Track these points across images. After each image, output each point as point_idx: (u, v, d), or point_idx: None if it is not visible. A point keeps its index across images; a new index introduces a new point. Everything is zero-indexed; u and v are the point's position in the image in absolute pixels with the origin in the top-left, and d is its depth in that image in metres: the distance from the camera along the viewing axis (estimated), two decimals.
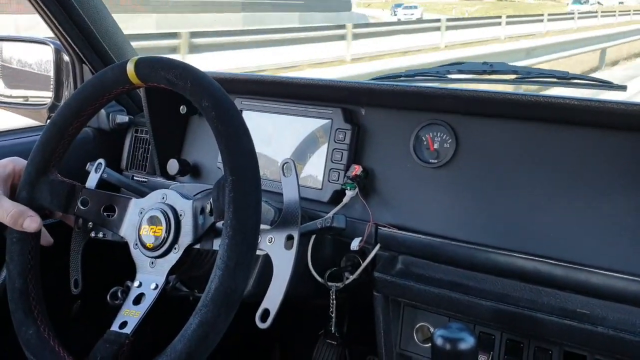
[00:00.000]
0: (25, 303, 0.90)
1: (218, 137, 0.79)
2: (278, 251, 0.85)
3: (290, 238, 0.84)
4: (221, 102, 0.81)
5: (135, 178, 1.52)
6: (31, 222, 0.93)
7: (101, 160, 1.07)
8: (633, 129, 0.97)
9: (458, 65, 1.48)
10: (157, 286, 0.89)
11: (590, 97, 0.98)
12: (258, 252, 0.84)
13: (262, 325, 0.80)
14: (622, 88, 1.27)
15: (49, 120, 0.99)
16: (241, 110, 1.34)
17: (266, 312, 0.81)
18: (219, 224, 0.87)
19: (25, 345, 0.87)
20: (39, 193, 0.96)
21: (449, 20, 16.43)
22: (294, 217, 0.86)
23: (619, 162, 0.97)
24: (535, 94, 1.03)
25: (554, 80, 1.35)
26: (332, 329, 1.17)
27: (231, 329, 0.78)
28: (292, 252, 0.84)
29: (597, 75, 1.38)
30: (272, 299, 0.81)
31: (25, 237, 0.94)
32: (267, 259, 0.85)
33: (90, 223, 1.03)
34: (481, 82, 1.44)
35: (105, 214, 0.99)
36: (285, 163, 0.89)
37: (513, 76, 1.41)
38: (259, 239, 0.85)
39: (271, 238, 0.85)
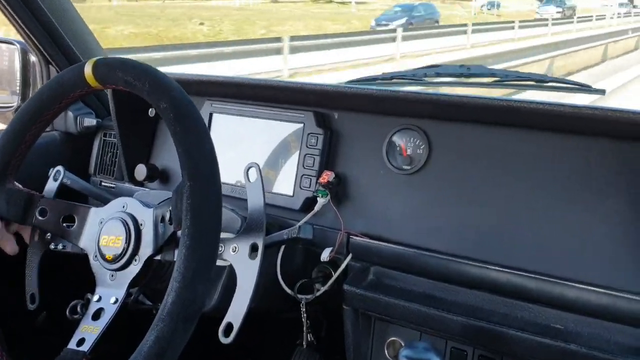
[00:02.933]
0: None
1: (176, 140, 0.76)
2: (241, 261, 0.81)
3: (254, 247, 0.81)
4: (180, 103, 0.77)
5: (103, 184, 1.48)
6: (10, 247, 0.90)
7: (59, 168, 1.04)
8: (607, 136, 0.94)
9: (435, 68, 1.45)
10: (117, 300, 0.86)
11: (565, 101, 0.95)
12: (221, 263, 0.80)
13: (225, 341, 0.77)
14: (601, 92, 1.25)
15: (7, 126, 0.95)
16: (211, 114, 1.30)
17: (229, 327, 0.77)
18: (179, 234, 0.84)
19: None
20: None
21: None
22: (258, 225, 0.82)
23: (594, 171, 0.94)
24: (508, 99, 0.99)
25: (532, 83, 1.32)
26: (304, 343, 1.14)
27: (198, 344, 0.74)
28: (256, 262, 0.80)
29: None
30: (236, 313, 0.78)
31: None
32: (232, 270, 0.82)
33: (48, 234, 0.99)
34: (459, 85, 1.41)
35: (64, 224, 0.95)
36: (250, 168, 0.85)
37: (491, 79, 1.38)
38: (222, 248, 0.82)
39: (235, 247, 0.82)
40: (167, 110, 0.77)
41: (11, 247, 0.96)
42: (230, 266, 0.82)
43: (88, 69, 0.84)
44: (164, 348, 0.70)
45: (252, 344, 1.39)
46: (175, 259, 0.86)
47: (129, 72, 0.81)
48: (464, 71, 1.41)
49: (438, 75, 1.43)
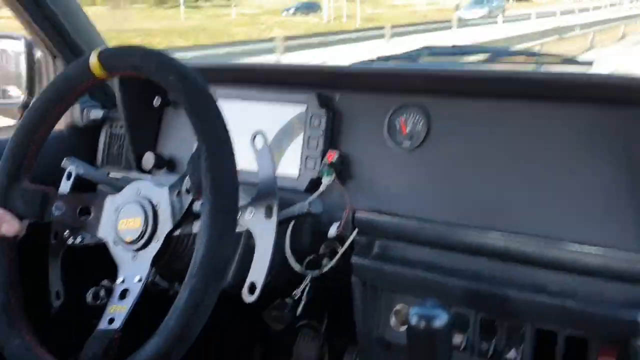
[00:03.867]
0: (8, 317, 0.89)
1: (187, 109, 0.79)
2: (259, 223, 0.85)
3: (269, 208, 0.85)
4: (186, 74, 0.81)
5: (111, 174, 1.51)
6: (9, 226, 0.91)
7: (72, 166, 1.06)
8: (600, 102, 0.98)
9: (429, 49, 1.49)
10: (141, 279, 0.89)
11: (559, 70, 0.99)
12: (238, 229, 0.84)
13: (249, 299, 0.81)
14: (589, 64, 1.30)
15: (17, 126, 0.97)
16: (215, 100, 1.34)
17: (253, 285, 0.81)
18: (196, 207, 0.88)
19: (11, 357, 0.87)
20: (11, 202, 0.94)
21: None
22: (270, 189, 0.86)
23: (589, 136, 0.99)
24: (500, 70, 1.04)
25: (523, 58, 1.36)
26: (298, 311, 1.16)
27: (211, 325, 0.78)
28: (273, 221, 0.84)
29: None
30: (258, 271, 0.82)
31: (3, 248, 0.92)
32: (246, 248, 0.86)
33: (66, 232, 1.02)
34: (452, 65, 1.45)
35: (81, 216, 0.98)
36: (256, 135, 0.89)
37: (483, 57, 1.42)
38: (239, 213, 0.84)
39: (251, 210, 0.86)
40: (175, 83, 0.80)
41: (9, 228, 0.94)
42: (244, 245, 0.86)
43: (93, 59, 0.86)
44: (198, 301, 0.74)
45: (258, 327, 1.44)
46: (194, 231, 0.90)
47: (135, 56, 0.84)
48: (457, 51, 1.46)
49: (432, 55, 1.48)
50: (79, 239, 1.02)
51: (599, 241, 0.94)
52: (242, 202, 0.84)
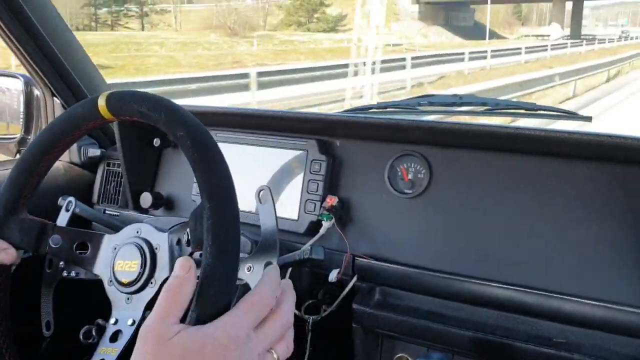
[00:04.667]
0: None
1: (194, 166, 0.78)
2: (257, 279, 0.84)
3: (269, 265, 0.84)
4: (196, 130, 0.80)
5: (107, 212, 1.50)
6: (6, 255, 0.90)
7: (71, 199, 1.06)
8: (600, 159, 1.00)
9: (428, 98, 1.51)
10: (134, 322, 0.87)
11: (556, 128, 1.01)
12: (237, 282, 0.83)
13: None
14: (588, 119, 1.32)
15: (18, 157, 0.97)
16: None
17: None
18: (196, 256, 0.87)
19: None
20: (8, 233, 0.92)
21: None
22: (272, 245, 0.86)
23: (589, 192, 1.00)
24: (502, 125, 1.05)
25: (522, 111, 1.38)
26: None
27: None
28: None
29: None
30: None
31: None
32: (246, 286, 0.84)
33: (61, 263, 1.01)
34: (451, 114, 1.47)
35: (77, 251, 0.96)
36: (262, 190, 0.89)
37: (482, 108, 1.44)
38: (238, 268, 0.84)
39: (250, 267, 0.85)
40: (184, 138, 0.80)
41: (5, 257, 0.92)
42: (241, 292, 0.84)
43: (102, 102, 0.86)
44: None
45: None
46: None
47: (144, 103, 0.84)
48: (456, 100, 1.47)
49: (431, 104, 1.49)
50: (73, 273, 1.00)
51: (601, 296, 0.95)
52: (241, 253, 0.83)
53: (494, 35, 52.43)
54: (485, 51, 20.82)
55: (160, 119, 0.82)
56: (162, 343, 0.62)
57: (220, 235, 0.75)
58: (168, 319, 0.65)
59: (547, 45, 28.15)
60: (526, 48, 24.46)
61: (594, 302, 0.94)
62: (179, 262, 0.73)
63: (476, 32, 51.07)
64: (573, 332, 0.96)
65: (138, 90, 0.88)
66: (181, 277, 0.70)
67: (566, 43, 31.50)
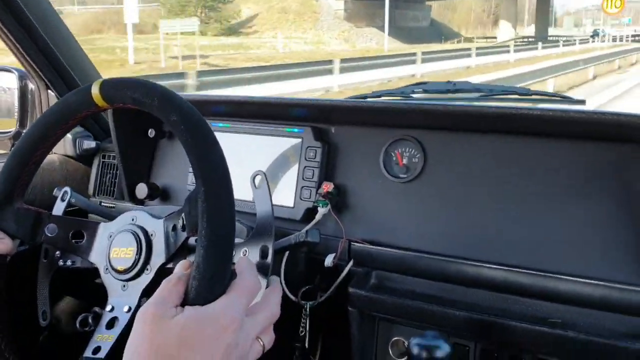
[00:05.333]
0: None
1: (188, 149, 0.78)
2: (253, 264, 0.84)
3: (264, 250, 0.84)
4: (189, 114, 0.80)
5: (103, 204, 1.50)
6: (1, 244, 0.90)
7: (67, 189, 1.06)
8: (594, 139, 1.00)
9: (422, 85, 1.52)
10: (130, 309, 0.87)
11: (551, 106, 1.01)
12: (232, 267, 0.84)
13: None
14: (581, 102, 1.32)
15: (14, 147, 0.97)
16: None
17: None
18: (191, 241, 0.87)
19: None
20: (4, 222, 0.93)
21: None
22: (267, 230, 0.86)
23: (583, 171, 1.01)
24: (495, 106, 1.06)
25: (516, 96, 1.39)
26: (306, 345, 1.16)
27: None
28: (268, 263, 0.83)
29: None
30: None
31: None
32: None
33: (57, 252, 1.01)
34: (446, 101, 1.47)
35: (73, 240, 0.97)
36: (257, 175, 0.89)
37: (476, 94, 1.45)
38: (233, 253, 0.84)
39: (245, 251, 0.85)
40: (177, 123, 0.80)
41: (3, 246, 0.93)
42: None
43: (95, 90, 0.86)
44: None
45: None
46: None
47: (137, 90, 0.84)
48: (450, 87, 1.48)
49: (425, 91, 1.50)
50: (69, 262, 1.00)
51: (596, 274, 0.95)
52: (236, 239, 0.84)
53: (453, 37, 47.50)
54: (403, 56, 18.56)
55: (153, 105, 0.82)
56: (161, 323, 0.63)
57: (215, 218, 0.75)
58: (167, 302, 0.66)
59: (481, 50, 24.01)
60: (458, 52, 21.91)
61: (588, 281, 0.95)
62: (180, 263, 0.75)
63: (431, 34, 45.49)
64: (568, 311, 0.96)
65: (131, 77, 0.88)
66: (181, 273, 0.71)
67: (508, 46, 27.16)
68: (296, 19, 40.07)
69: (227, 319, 0.64)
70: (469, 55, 21.22)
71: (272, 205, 0.88)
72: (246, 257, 0.79)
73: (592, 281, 0.94)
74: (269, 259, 0.84)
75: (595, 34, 49.67)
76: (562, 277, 0.97)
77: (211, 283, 0.72)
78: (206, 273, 0.72)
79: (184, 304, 0.68)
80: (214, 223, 0.75)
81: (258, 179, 0.89)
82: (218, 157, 0.79)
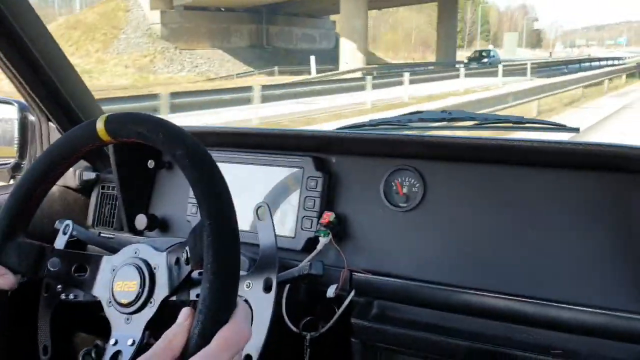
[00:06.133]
0: None
1: (193, 184, 0.79)
2: (257, 295, 0.85)
3: (268, 282, 0.85)
4: (194, 149, 0.81)
5: (102, 235, 1.50)
6: (4, 280, 0.90)
7: (68, 222, 1.06)
8: (590, 168, 1.02)
9: (419, 114, 1.54)
10: (134, 342, 0.87)
11: (547, 138, 1.03)
12: (239, 299, 0.84)
13: None
14: (575, 130, 1.35)
15: (15, 183, 0.97)
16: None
17: (248, 358, 0.81)
18: (194, 275, 0.87)
19: None
20: (6, 257, 0.92)
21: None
22: (271, 261, 0.86)
23: (582, 201, 1.02)
24: (493, 138, 1.08)
25: (510, 125, 1.41)
26: None
27: None
28: (271, 295, 0.84)
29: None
30: (254, 344, 0.82)
31: None
32: (247, 302, 0.85)
33: (59, 286, 1.01)
34: (441, 129, 1.50)
35: (76, 274, 0.96)
36: (260, 207, 0.90)
37: (471, 122, 1.47)
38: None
39: (249, 283, 0.86)
40: (182, 157, 0.81)
41: (3, 282, 0.92)
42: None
43: (100, 125, 0.87)
44: None
45: None
46: (191, 298, 0.89)
47: (142, 125, 0.85)
48: (446, 116, 1.50)
49: (422, 120, 1.52)
50: (72, 296, 1.00)
51: (598, 302, 0.96)
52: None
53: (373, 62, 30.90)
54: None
55: (158, 139, 0.83)
56: None
57: (221, 252, 0.75)
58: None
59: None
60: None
61: (590, 310, 0.96)
62: (182, 312, 0.74)
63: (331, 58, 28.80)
64: (571, 340, 0.97)
65: (135, 112, 0.89)
66: (180, 325, 0.71)
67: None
68: (82, 38, 29.63)
69: None
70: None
71: (276, 237, 0.88)
72: (244, 305, 0.79)
73: (594, 310, 0.96)
74: (273, 290, 0.85)
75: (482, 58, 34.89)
76: (564, 305, 0.98)
77: (217, 316, 0.72)
78: (212, 306, 0.72)
79: (185, 353, 0.68)
80: (220, 257, 0.75)
81: (261, 210, 0.90)
82: (223, 191, 0.80)
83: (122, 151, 1.40)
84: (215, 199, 0.79)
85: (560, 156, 1.03)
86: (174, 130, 0.83)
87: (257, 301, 0.85)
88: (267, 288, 0.85)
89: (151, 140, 0.84)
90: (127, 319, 0.90)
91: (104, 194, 1.55)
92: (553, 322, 0.98)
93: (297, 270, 0.97)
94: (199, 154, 0.81)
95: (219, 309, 0.73)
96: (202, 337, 0.71)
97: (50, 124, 1.50)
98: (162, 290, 0.89)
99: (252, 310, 0.85)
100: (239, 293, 0.85)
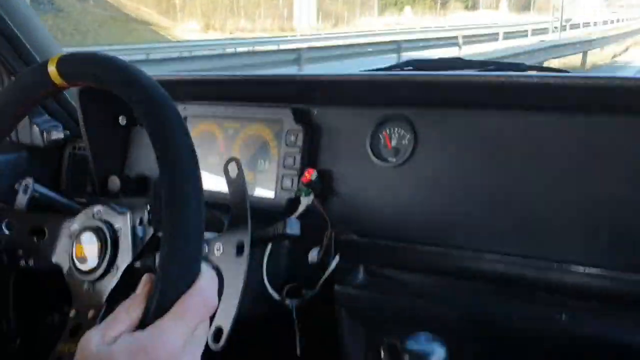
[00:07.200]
0: None
1: (151, 134, 0.70)
2: (227, 261, 0.77)
3: (240, 245, 0.77)
4: (152, 93, 0.72)
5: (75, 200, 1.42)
6: None
7: (29, 179, 0.98)
8: (599, 108, 0.91)
9: (412, 62, 1.43)
10: (95, 316, 0.81)
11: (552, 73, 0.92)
12: (205, 265, 0.76)
13: (215, 347, 0.72)
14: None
15: None
16: (185, 118, 1.25)
17: (219, 331, 0.73)
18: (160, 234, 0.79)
19: None
20: None
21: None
22: (242, 222, 0.78)
23: (585, 149, 0.91)
24: (494, 74, 0.97)
25: (511, 71, 1.30)
26: (298, 351, 1.08)
27: None
28: (244, 260, 0.76)
29: None
30: (225, 315, 0.73)
31: None
32: (217, 269, 0.77)
33: (19, 251, 0.94)
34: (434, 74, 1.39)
35: (34, 238, 0.89)
36: (230, 162, 0.81)
37: (470, 71, 1.36)
38: (206, 249, 0.77)
39: (219, 246, 0.78)
40: (139, 102, 0.71)
41: None
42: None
43: (52, 66, 0.78)
44: None
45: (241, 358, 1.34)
46: (156, 265, 0.81)
47: (97, 65, 0.75)
48: (444, 64, 1.40)
49: (418, 68, 1.41)
50: (31, 262, 0.93)
51: (601, 262, 0.87)
52: (209, 234, 0.75)
53: None
54: None
55: (114, 82, 0.74)
56: (91, 354, 0.58)
57: (181, 212, 0.66)
58: (110, 328, 0.60)
59: None
60: None
61: (595, 270, 0.87)
62: (143, 278, 0.67)
63: None
64: (571, 305, 0.88)
65: (92, 51, 0.80)
66: (139, 293, 0.65)
67: None
68: None
69: (164, 352, 0.57)
70: None
71: (248, 195, 0.80)
72: (210, 270, 0.71)
73: (599, 270, 0.86)
74: (245, 254, 0.76)
75: None
76: (567, 266, 0.88)
77: (176, 284, 0.64)
78: (172, 272, 0.64)
79: (142, 321, 0.61)
80: (180, 217, 0.66)
81: (231, 167, 0.81)
82: (185, 142, 0.70)
83: (89, 104, 1.28)
84: (175, 151, 0.69)
85: (565, 95, 0.91)
86: (132, 72, 0.73)
87: (228, 266, 0.76)
88: (239, 252, 0.77)
89: (106, 82, 0.74)
90: (89, 288, 0.83)
91: (76, 155, 1.45)
92: (554, 284, 0.89)
93: (272, 230, 0.89)
94: (157, 98, 0.71)
95: (179, 276, 0.64)
96: (160, 306, 0.63)
97: (12, 77, 1.39)
98: (125, 256, 0.82)
99: (222, 277, 0.76)
100: (210, 259, 0.77)
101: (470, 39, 18.40)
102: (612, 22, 36.32)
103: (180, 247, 0.65)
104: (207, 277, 0.66)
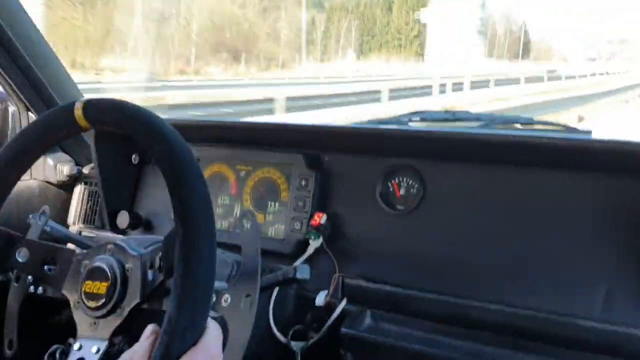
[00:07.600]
0: None
1: (169, 184, 0.71)
2: (234, 313, 0.77)
3: (249, 298, 0.77)
4: (175, 145, 0.73)
5: (83, 234, 1.42)
6: None
7: (45, 208, 0.99)
8: (604, 170, 0.94)
9: (420, 114, 1.45)
10: (98, 350, 0.80)
11: (559, 135, 0.95)
12: (212, 315, 0.76)
13: None
14: (587, 133, 1.26)
15: None
16: (197, 159, 1.27)
17: None
18: (168, 283, 0.80)
19: None
20: None
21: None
22: (253, 274, 0.79)
23: (590, 205, 0.94)
24: (498, 133, 1.00)
25: (519, 126, 1.33)
26: None
27: None
28: (251, 313, 0.76)
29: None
30: None
31: None
32: (222, 320, 0.78)
33: (29, 278, 0.94)
34: (444, 130, 1.42)
35: (45, 267, 0.90)
36: (245, 214, 0.83)
37: (476, 123, 1.39)
38: (214, 299, 0.78)
39: (227, 298, 0.78)
40: (161, 153, 0.73)
41: None
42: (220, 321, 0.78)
43: (78, 108, 0.81)
44: None
45: None
46: (162, 308, 0.82)
47: (122, 112, 0.78)
48: (449, 116, 1.42)
49: (423, 120, 1.44)
50: (40, 289, 0.94)
51: (603, 316, 0.88)
52: (218, 283, 0.76)
53: None
54: None
55: (137, 130, 0.76)
56: None
57: (193, 266, 0.67)
58: None
59: None
60: None
61: (594, 324, 0.88)
62: (147, 328, 0.68)
63: None
64: (573, 356, 0.89)
65: (117, 99, 0.82)
66: (142, 344, 0.67)
67: None
68: None
69: None
70: None
71: (260, 246, 0.81)
72: (215, 325, 0.71)
73: (599, 324, 0.87)
74: (253, 308, 0.77)
75: None
76: (571, 319, 0.89)
77: (183, 336, 0.64)
78: (178, 326, 0.65)
79: None
80: (191, 271, 0.67)
81: (246, 218, 0.82)
82: (202, 196, 0.71)
83: (105, 144, 1.31)
84: (193, 205, 0.70)
85: (571, 155, 0.94)
86: (155, 122, 0.75)
87: (234, 319, 0.77)
88: (246, 305, 0.77)
89: (129, 130, 0.76)
90: (94, 323, 0.83)
91: (87, 191, 1.47)
92: (558, 336, 0.90)
93: (282, 274, 0.89)
94: (179, 151, 0.73)
95: (186, 329, 0.65)
96: (164, 357, 0.63)
97: (30, 113, 1.42)
98: (133, 296, 0.82)
99: (227, 329, 0.76)
100: (215, 309, 0.78)
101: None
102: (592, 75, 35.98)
103: (190, 303, 0.65)
104: (212, 332, 0.66)
